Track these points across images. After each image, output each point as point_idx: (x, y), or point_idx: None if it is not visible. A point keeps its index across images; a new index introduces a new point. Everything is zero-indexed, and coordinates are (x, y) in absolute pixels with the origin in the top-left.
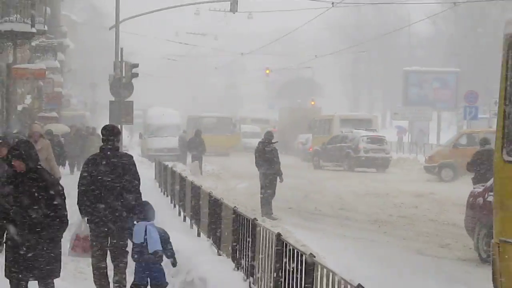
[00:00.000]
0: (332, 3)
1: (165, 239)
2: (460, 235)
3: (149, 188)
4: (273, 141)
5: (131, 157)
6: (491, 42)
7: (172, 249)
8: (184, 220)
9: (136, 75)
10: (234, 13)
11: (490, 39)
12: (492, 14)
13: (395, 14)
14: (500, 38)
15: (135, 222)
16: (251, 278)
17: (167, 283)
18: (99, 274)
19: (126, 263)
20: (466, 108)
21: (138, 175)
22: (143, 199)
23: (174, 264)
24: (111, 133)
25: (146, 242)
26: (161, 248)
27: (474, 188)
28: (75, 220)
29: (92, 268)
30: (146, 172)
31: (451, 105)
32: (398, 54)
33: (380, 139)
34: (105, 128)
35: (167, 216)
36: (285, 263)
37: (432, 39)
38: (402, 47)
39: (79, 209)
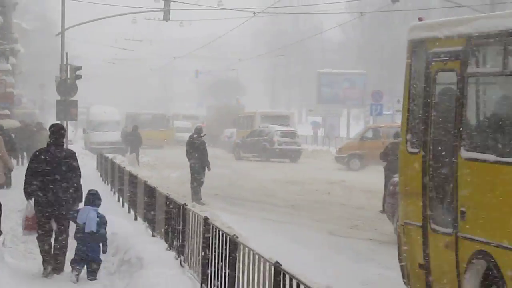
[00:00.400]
0: (254, 13)
1: (101, 224)
2: (367, 218)
3: (92, 177)
4: (202, 135)
5: (74, 153)
6: (395, 47)
7: (105, 234)
8: (123, 205)
9: (79, 76)
10: (167, 21)
11: (393, 44)
12: (395, 22)
13: (310, 22)
14: (402, 44)
15: (79, 207)
16: (181, 257)
17: (100, 260)
18: (45, 252)
19: (66, 242)
20: (372, 105)
21: (79, 169)
22: (88, 187)
23: (104, 251)
24: (56, 132)
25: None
26: (95, 229)
27: (394, 177)
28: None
29: (39, 248)
30: (88, 163)
31: (359, 103)
32: (312, 58)
33: (292, 133)
34: (52, 127)
35: (107, 202)
36: (212, 243)
37: (342, 45)
38: (316, 52)
39: (25, 194)
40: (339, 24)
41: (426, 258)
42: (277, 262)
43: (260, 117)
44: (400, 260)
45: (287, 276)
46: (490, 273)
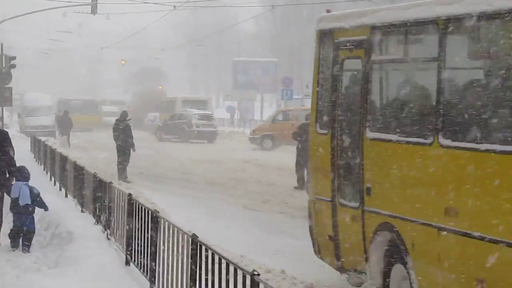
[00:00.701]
0: (174, 7)
1: (35, 194)
2: (278, 193)
3: (26, 158)
4: (127, 118)
5: (7, 132)
6: (303, 37)
7: (41, 200)
8: (54, 184)
9: (14, 65)
10: (94, 15)
11: (302, 35)
12: (303, 14)
13: (227, 15)
14: (310, 35)
15: (13, 182)
16: (108, 230)
17: (34, 230)
18: None
19: (1, 217)
20: (283, 91)
21: (13, 147)
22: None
23: (46, 209)
24: None
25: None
26: (30, 202)
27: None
28: None
29: None
30: (23, 145)
31: (271, 89)
32: (229, 48)
33: (209, 116)
34: None
35: (40, 181)
36: (135, 217)
37: (256, 35)
38: (232, 42)
39: None
40: (252, 16)
41: (335, 230)
42: (194, 234)
43: (181, 102)
44: (311, 233)
45: (203, 247)
46: (393, 242)
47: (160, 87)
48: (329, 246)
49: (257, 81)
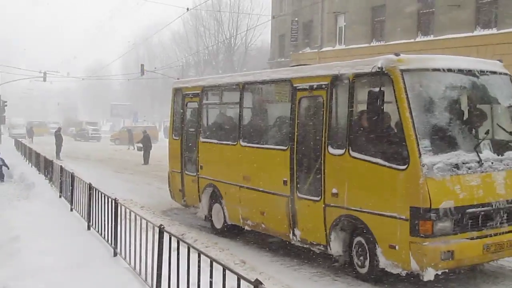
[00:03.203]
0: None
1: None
2: (130, 165)
3: (11, 150)
4: (60, 130)
5: None
6: (143, 94)
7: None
8: (26, 161)
9: (6, 105)
10: (44, 81)
11: (142, 93)
12: (143, 82)
13: (59, 83)
14: (145, 94)
15: None
16: (51, 182)
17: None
18: None
19: None
20: (133, 118)
21: None
22: (7, 154)
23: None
24: None
25: None
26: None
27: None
28: None
29: None
30: (11, 143)
31: (129, 116)
32: (108, 99)
33: (97, 129)
34: None
35: (18, 160)
36: (75, 185)
37: (122, 93)
38: (109, 96)
39: None
40: (121, 84)
41: (183, 186)
42: (116, 198)
43: (85, 122)
44: (169, 188)
45: (123, 207)
46: (214, 193)
47: (75, 115)
48: (179, 194)
49: (122, 113)
